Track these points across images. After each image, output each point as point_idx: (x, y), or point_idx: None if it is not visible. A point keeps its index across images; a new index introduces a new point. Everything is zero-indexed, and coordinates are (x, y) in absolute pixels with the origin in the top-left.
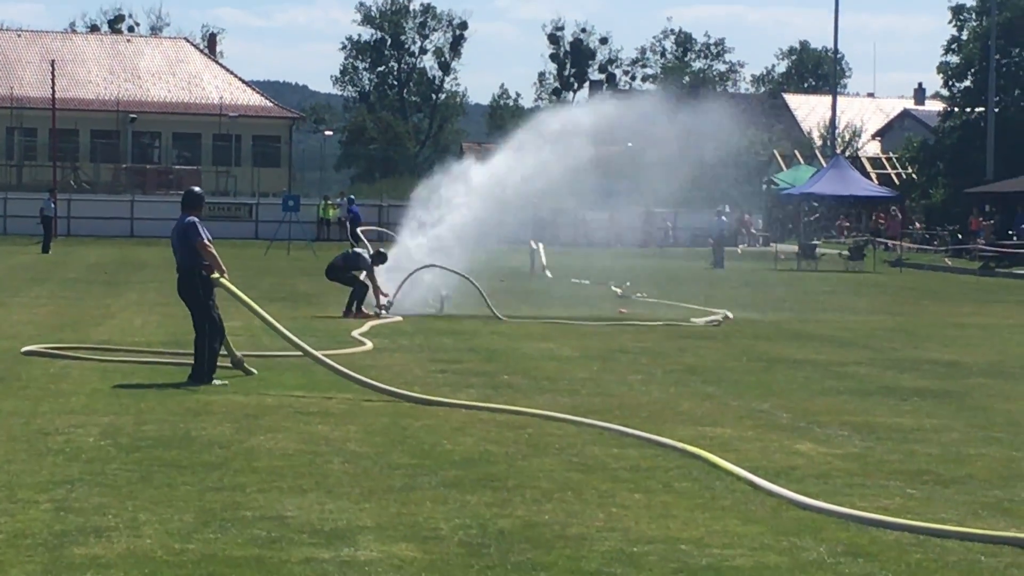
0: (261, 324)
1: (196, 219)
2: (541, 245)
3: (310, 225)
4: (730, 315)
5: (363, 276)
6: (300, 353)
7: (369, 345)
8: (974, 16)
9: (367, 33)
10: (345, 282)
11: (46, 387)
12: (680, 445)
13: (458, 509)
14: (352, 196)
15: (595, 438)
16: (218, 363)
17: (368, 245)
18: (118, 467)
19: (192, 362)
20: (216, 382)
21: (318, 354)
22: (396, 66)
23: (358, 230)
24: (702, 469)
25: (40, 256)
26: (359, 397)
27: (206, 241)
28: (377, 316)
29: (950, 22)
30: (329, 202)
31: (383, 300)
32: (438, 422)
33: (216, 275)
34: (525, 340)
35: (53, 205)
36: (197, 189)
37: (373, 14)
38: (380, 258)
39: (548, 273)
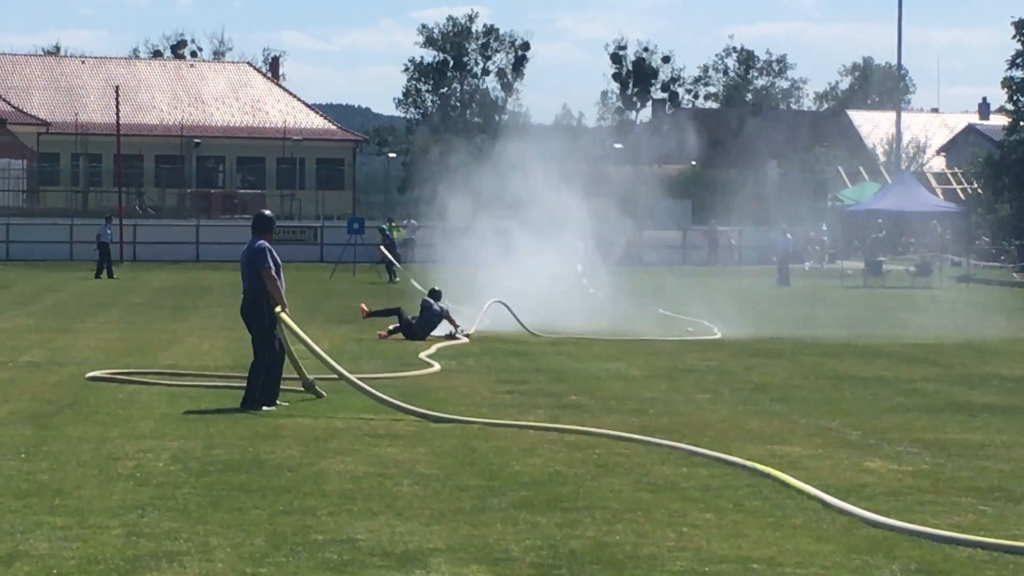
0: (330, 347)
1: (266, 244)
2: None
3: (375, 247)
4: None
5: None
6: (365, 377)
7: (437, 367)
8: None
9: (429, 55)
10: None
11: (115, 412)
12: (750, 464)
13: (528, 530)
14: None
15: (664, 458)
16: (282, 387)
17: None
18: (188, 491)
19: (245, 386)
20: (266, 408)
21: (375, 391)
22: (459, 87)
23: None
24: (772, 488)
25: (106, 281)
26: (429, 416)
27: (271, 269)
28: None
29: (1014, 37)
30: (394, 224)
31: (459, 334)
32: (506, 443)
33: (278, 309)
34: (591, 360)
35: (109, 231)
36: (268, 212)
37: (435, 36)
38: (437, 296)
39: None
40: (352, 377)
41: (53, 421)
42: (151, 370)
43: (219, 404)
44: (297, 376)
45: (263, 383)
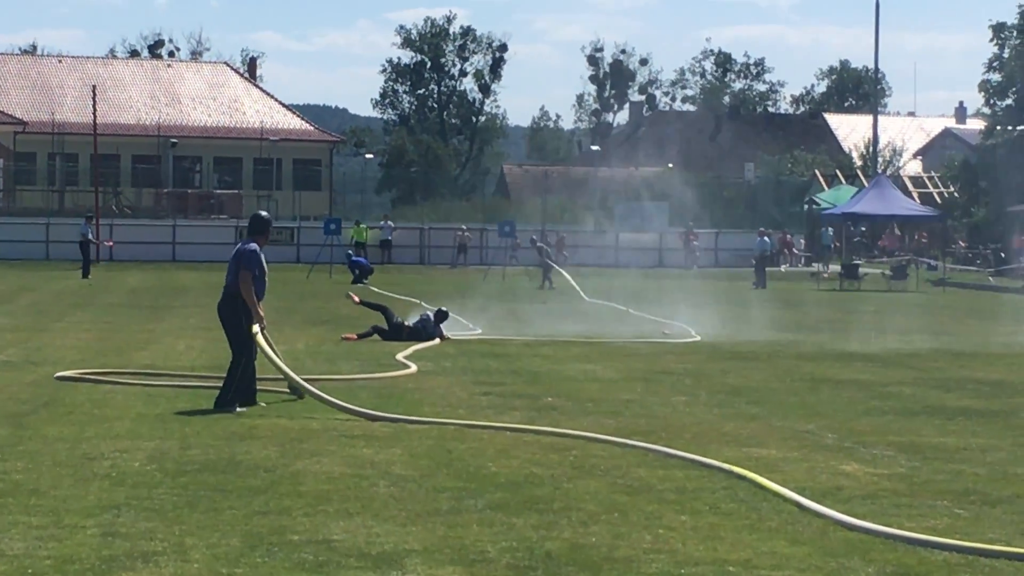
0: (306, 347)
1: (257, 247)
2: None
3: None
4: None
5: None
6: (341, 378)
7: (414, 368)
8: (1015, 34)
9: (407, 56)
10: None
11: (91, 412)
12: (726, 466)
13: (505, 532)
14: (358, 222)
15: (640, 460)
16: (261, 387)
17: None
18: (164, 492)
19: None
20: (240, 409)
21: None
22: (436, 89)
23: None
24: (748, 490)
25: (81, 281)
26: (404, 419)
27: (251, 275)
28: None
29: (991, 40)
30: (362, 225)
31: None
32: (483, 444)
33: (255, 329)
34: (567, 362)
35: (90, 231)
36: (264, 214)
37: (413, 37)
38: (442, 317)
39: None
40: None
41: (29, 420)
42: (124, 370)
43: (195, 404)
44: (281, 377)
45: (236, 384)
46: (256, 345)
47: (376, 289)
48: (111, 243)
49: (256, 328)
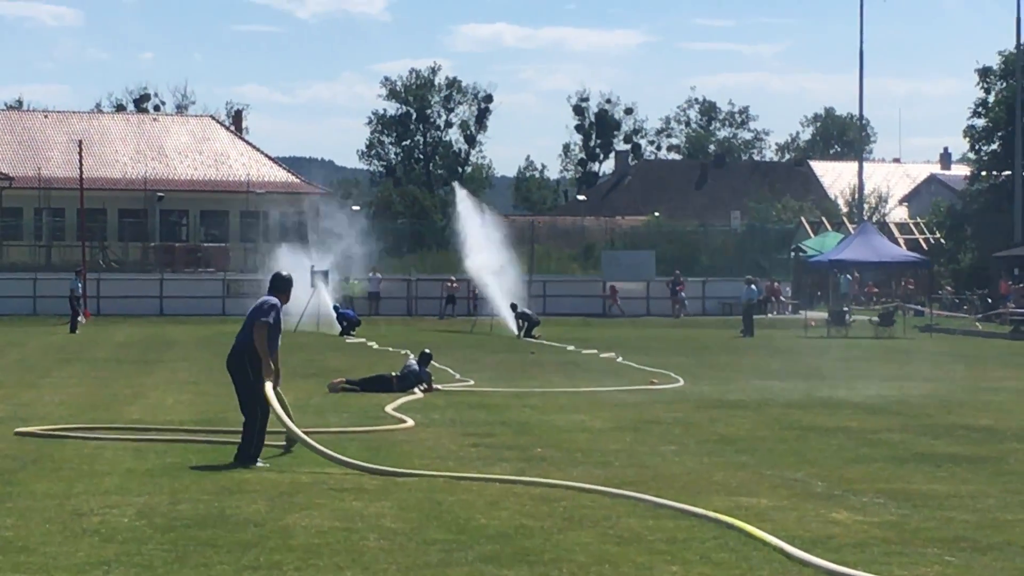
0: (295, 401)
1: (277, 302)
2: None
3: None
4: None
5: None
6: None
7: (411, 423)
8: (999, 79)
9: (392, 107)
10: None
11: (80, 468)
12: (716, 516)
13: None
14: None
15: (630, 510)
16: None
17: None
18: (154, 547)
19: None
20: (260, 464)
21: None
22: (422, 140)
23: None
24: (738, 540)
25: (69, 336)
26: (393, 472)
27: (267, 326)
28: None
29: (977, 84)
30: (353, 280)
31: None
32: (472, 497)
33: (268, 386)
34: (556, 412)
35: (80, 285)
36: (285, 273)
37: (398, 88)
38: (426, 360)
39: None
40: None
41: (17, 477)
42: (87, 425)
43: (185, 459)
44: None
45: (258, 437)
46: (265, 399)
47: (364, 340)
48: (88, 315)
49: (268, 385)
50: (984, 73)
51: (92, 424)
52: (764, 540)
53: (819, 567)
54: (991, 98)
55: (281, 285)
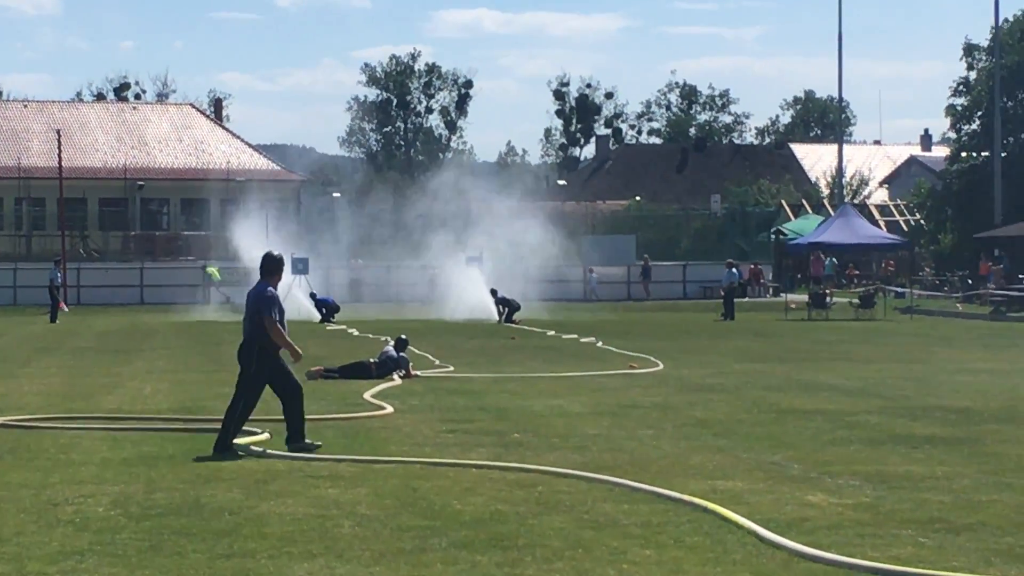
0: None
1: (273, 289)
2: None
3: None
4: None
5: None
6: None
7: (390, 409)
8: (985, 57)
9: (373, 94)
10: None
11: (56, 457)
12: (691, 499)
13: (469, 570)
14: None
15: (606, 495)
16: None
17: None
18: (128, 536)
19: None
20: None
21: None
22: (403, 126)
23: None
24: (713, 523)
25: (48, 326)
26: (369, 460)
27: (275, 320)
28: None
29: (961, 59)
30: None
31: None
32: (448, 483)
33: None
34: (535, 397)
35: (59, 275)
36: (276, 253)
37: (379, 75)
38: (402, 345)
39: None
40: None
41: None
42: (67, 414)
43: (161, 448)
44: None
45: (292, 424)
46: (255, 395)
47: (344, 327)
48: (61, 306)
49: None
50: (969, 50)
51: (70, 414)
52: (738, 523)
53: (792, 550)
54: (972, 75)
55: (272, 266)
